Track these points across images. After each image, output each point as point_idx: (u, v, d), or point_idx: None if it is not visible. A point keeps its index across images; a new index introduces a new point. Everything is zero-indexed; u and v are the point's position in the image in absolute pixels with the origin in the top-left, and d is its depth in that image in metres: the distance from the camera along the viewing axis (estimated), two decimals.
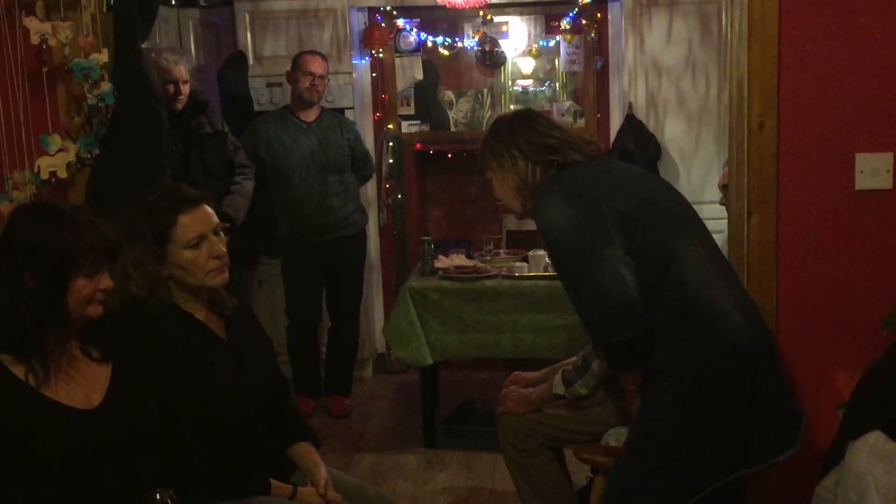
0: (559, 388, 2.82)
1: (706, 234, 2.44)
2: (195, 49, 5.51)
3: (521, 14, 5.90)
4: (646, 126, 5.04)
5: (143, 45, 3.31)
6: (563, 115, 5.80)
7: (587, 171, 2.40)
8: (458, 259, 4.50)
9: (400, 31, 5.75)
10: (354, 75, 5.35)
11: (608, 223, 2.26)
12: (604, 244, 2.24)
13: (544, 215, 2.33)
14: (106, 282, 1.94)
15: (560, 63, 5.96)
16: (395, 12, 5.62)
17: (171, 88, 3.98)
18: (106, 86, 3.07)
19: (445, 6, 4.93)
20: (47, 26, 3.00)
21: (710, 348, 2.30)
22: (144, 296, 2.25)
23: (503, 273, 4.25)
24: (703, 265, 2.35)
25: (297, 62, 4.68)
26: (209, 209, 2.35)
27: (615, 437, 2.67)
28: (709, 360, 2.30)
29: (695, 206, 2.51)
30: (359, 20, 5.51)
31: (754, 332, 2.34)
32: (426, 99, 6.01)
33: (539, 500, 2.97)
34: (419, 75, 5.85)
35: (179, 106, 4.06)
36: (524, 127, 2.46)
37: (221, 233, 2.37)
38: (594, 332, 2.34)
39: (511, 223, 5.81)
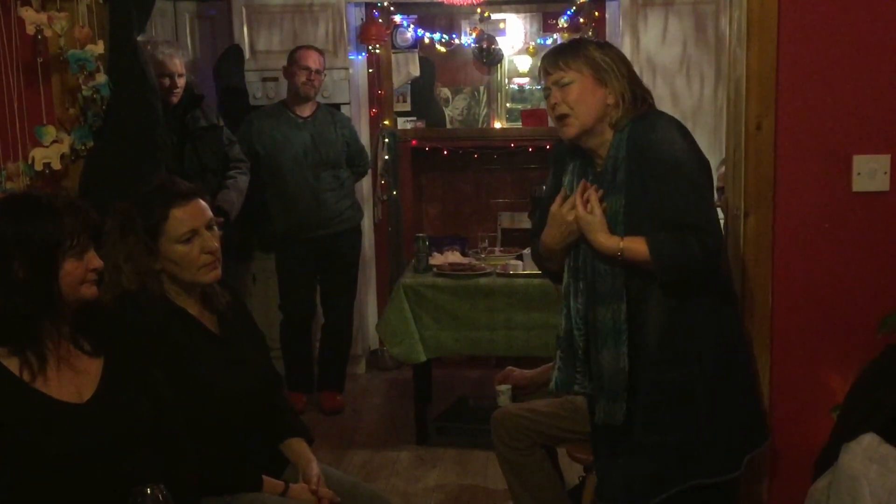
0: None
1: None
2: (191, 42, 5.49)
3: (519, 12, 5.89)
4: None
5: (139, 38, 3.29)
6: None
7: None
8: (453, 256, 4.50)
9: (397, 27, 5.74)
10: (351, 71, 5.34)
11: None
12: (710, 188, 2.35)
13: (670, 142, 2.29)
14: (95, 261, 1.93)
15: None
16: (392, 8, 5.61)
17: (167, 81, 3.96)
18: (101, 77, 3.05)
19: (443, 3, 4.93)
20: (43, 17, 2.98)
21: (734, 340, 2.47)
22: (136, 289, 2.23)
23: (498, 271, 4.25)
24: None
25: (294, 57, 4.67)
26: (203, 204, 2.33)
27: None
28: (734, 347, 2.46)
29: None
30: (356, 15, 5.50)
31: None
32: (422, 96, 6.00)
33: (531, 499, 2.97)
34: (416, 72, 5.84)
35: (175, 99, 4.04)
36: (628, 65, 2.43)
37: (215, 228, 2.35)
38: (688, 257, 2.25)
39: (506, 221, 5.81)
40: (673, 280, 2.28)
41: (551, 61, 2.36)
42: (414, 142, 5.84)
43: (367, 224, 5.46)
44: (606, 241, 2.29)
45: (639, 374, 2.35)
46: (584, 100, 2.31)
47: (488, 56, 5.94)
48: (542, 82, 2.41)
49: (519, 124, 5.93)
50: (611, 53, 2.37)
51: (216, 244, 2.31)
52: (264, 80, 5.27)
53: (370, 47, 5.54)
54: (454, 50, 5.89)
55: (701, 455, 2.36)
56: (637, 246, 2.26)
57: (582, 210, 2.31)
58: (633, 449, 2.40)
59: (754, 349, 2.66)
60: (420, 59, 5.85)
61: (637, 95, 2.36)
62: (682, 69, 5.05)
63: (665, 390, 2.35)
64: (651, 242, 2.25)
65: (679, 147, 2.29)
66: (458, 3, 4.92)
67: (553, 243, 2.42)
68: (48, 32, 2.99)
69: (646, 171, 2.29)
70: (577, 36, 5.64)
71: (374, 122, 5.71)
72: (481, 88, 6.06)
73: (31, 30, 2.97)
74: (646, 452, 2.38)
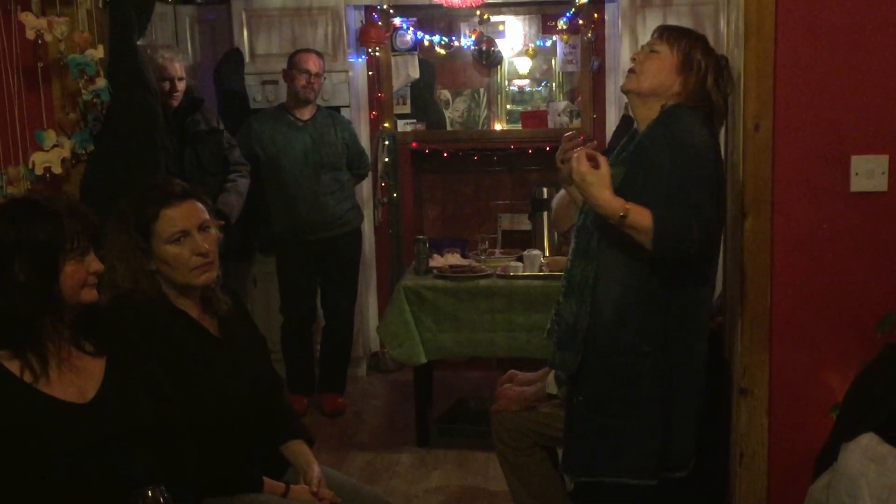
0: (552, 388, 2.82)
1: None
2: (191, 46, 5.50)
3: (518, 14, 5.90)
4: None
5: (139, 42, 3.30)
6: (559, 115, 5.80)
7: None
8: (453, 258, 4.50)
9: (397, 29, 5.75)
10: (350, 73, 5.35)
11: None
12: (718, 183, 2.39)
13: (690, 132, 2.36)
14: (96, 265, 1.94)
15: (556, 63, 5.96)
16: (391, 11, 5.61)
17: (167, 85, 3.97)
18: (101, 81, 3.06)
19: (442, 5, 4.93)
20: (43, 21, 2.99)
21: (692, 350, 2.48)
22: (130, 288, 2.23)
23: (498, 272, 4.25)
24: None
25: (294, 60, 4.68)
26: (197, 205, 2.32)
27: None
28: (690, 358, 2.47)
29: None
30: (355, 18, 5.51)
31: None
32: (422, 98, 6.00)
33: (532, 499, 2.98)
34: (415, 74, 5.85)
35: (175, 103, 4.04)
36: (725, 72, 2.51)
37: (214, 230, 2.35)
38: (686, 236, 2.24)
39: (506, 223, 5.81)
40: (665, 257, 2.28)
41: (661, 31, 2.52)
42: (414, 144, 5.84)
43: (367, 226, 5.46)
44: (611, 199, 2.25)
45: (594, 343, 2.44)
46: (655, 72, 2.45)
47: (488, 58, 5.95)
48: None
49: (519, 126, 5.94)
50: (710, 60, 2.47)
51: (208, 246, 2.30)
52: (264, 83, 5.28)
53: (370, 50, 5.55)
54: (454, 52, 5.90)
55: (629, 451, 2.43)
56: (641, 211, 2.22)
57: (586, 166, 2.27)
58: (573, 423, 2.54)
59: (743, 369, 2.67)
60: (420, 61, 5.85)
61: (699, 99, 2.44)
62: None
63: (611, 371, 2.42)
64: (655, 213, 2.22)
65: (698, 136, 2.36)
66: (458, 6, 4.92)
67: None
68: (48, 37, 3.00)
69: (663, 153, 2.32)
70: (576, 37, 5.66)
71: (374, 125, 5.72)
72: (481, 90, 6.07)
73: (31, 34, 2.98)
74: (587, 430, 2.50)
